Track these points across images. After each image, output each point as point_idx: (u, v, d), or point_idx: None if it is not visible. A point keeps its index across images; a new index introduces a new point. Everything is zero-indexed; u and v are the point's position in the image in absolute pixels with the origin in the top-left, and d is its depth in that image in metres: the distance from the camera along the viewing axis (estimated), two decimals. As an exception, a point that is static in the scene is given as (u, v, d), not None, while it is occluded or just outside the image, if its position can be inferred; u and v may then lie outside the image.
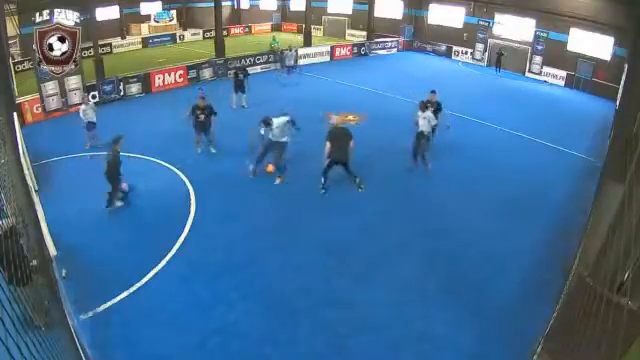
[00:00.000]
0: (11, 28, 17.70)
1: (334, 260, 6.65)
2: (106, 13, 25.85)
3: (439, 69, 22.37)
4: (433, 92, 10.63)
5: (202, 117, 9.91)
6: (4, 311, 1.58)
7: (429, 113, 9.39)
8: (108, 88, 14.57)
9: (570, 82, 20.18)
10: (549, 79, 21.04)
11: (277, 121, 8.71)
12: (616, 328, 1.89)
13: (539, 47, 21.37)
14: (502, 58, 21.90)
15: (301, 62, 21.45)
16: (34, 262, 3.93)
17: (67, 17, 12.96)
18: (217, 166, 9.70)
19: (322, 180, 8.63)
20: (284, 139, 8.85)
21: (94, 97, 14.04)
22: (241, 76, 13.68)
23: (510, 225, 7.81)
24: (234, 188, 8.86)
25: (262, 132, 8.75)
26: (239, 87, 13.69)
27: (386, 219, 7.88)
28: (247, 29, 33.75)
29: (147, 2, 30.05)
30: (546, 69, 21.21)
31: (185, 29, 31.13)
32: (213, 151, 10.40)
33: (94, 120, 10.56)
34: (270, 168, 8.94)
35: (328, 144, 8.24)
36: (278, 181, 9.04)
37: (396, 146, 11.40)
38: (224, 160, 10.04)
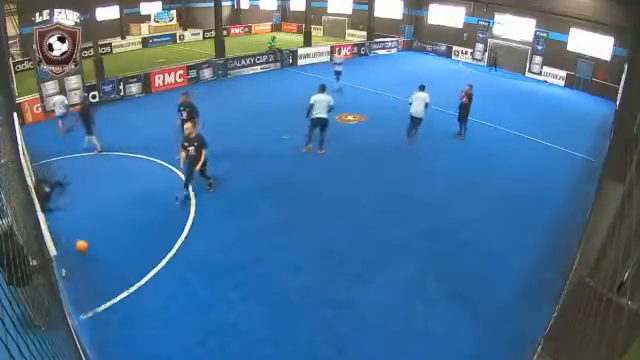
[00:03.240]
0: (11, 28, 17.74)
1: (334, 260, 6.65)
2: (106, 13, 25.85)
3: (439, 69, 22.37)
4: (470, 86, 11.69)
5: (184, 115, 9.56)
6: (4, 311, 1.58)
7: (424, 94, 10.90)
8: (108, 88, 14.57)
9: (570, 82, 20.18)
10: (549, 79, 21.05)
11: (318, 97, 9.92)
12: (616, 328, 1.89)
13: (539, 47, 21.38)
14: (497, 57, 22.49)
15: (301, 62, 21.47)
16: (34, 262, 3.93)
17: (67, 17, 12.97)
18: (217, 166, 9.67)
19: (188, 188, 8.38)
20: (322, 115, 9.94)
21: (94, 97, 14.05)
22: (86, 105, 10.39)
23: (510, 225, 7.81)
24: (234, 188, 8.86)
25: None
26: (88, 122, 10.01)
27: (386, 219, 7.87)
28: (247, 29, 33.76)
29: (147, 2, 30.04)
30: (546, 69, 21.22)
31: (185, 29, 31.12)
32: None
33: (62, 113, 11.34)
34: (81, 246, 6.40)
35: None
36: (304, 150, 10.54)
37: (396, 146, 11.42)
38: (224, 160, 10.04)
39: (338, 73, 16.40)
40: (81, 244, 6.36)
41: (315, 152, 10.56)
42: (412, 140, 11.44)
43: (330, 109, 10.00)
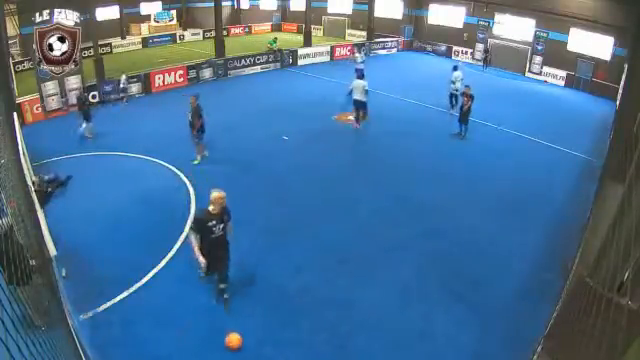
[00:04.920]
0: (11, 28, 17.74)
1: (334, 260, 6.64)
2: (106, 13, 25.86)
3: (439, 69, 22.31)
4: (467, 87, 12.23)
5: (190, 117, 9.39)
6: (4, 311, 1.58)
7: (458, 73, 13.54)
8: (108, 88, 14.57)
9: (570, 82, 20.18)
10: (549, 79, 21.04)
11: (355, 82, 12.14)
12: (616, 328, 1.89)
13: (539, 47, 21.38)
14: (488, 56, 22.98)
15: (301, 62, 21.47)
16: (34, 262, 3.93)
17: (67, 17, 12.96)
18: (217, 166, 9.69)
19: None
20: (357, 97, 12.02)
21: (94, 97, 14.06)
22: (87, 101, 11.67)
23: (510, 225, 7.81)
24: (234, 188, 8.81)
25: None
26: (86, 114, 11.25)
27: (386, 219, 7.87)
28: (247, 29, 33.76)
29: (147, 2, 30.05)
30: (546, 69, 21.21)
31: (185, 29, 31.12)
32: (195, 162, 9.78)
33: (124, 87, 14.70)
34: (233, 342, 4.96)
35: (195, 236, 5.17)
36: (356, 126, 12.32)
37: (396, 146, 11.43)
38: (224, 160, 10.04)
39: (359, 71, 16.29)
40: (234, 341, 4.91)
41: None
42: (455, 111, 13.07)
43: (365, 92, 11.79)
